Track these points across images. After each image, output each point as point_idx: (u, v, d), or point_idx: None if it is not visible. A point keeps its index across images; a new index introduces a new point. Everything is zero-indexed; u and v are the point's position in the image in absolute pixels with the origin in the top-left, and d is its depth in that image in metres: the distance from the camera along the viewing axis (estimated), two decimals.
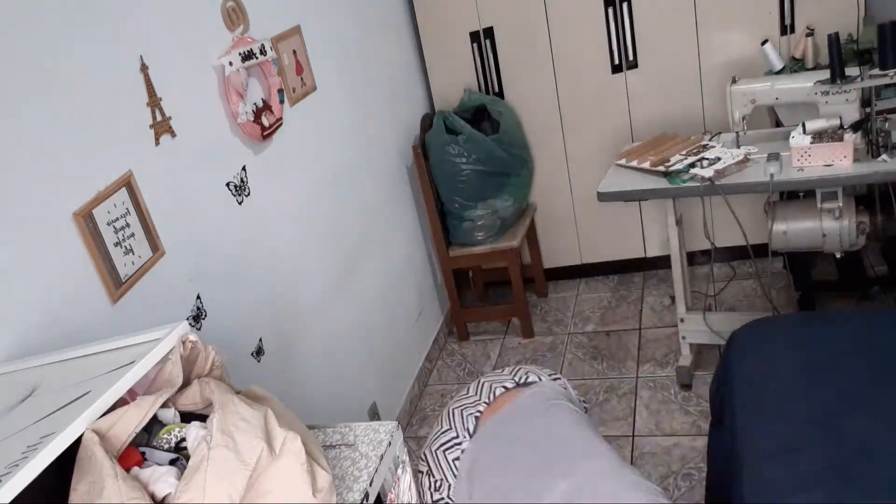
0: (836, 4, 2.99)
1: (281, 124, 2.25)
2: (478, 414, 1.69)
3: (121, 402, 1.10)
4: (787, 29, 3.08)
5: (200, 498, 1.02)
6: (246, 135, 2.11)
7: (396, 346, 3.06)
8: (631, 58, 3.28)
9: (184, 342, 1.20)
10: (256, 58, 2.13)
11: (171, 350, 1.17)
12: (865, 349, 1.85)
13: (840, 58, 2.33)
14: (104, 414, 1.05)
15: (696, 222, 3.35)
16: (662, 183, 2.56)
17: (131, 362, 1.09)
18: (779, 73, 3.04)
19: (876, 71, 2.30)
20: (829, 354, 1.86)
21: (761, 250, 3.57)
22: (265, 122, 2.16)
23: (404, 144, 3.29)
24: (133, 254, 1.65)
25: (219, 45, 2.05)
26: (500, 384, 1.74)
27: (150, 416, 1.10)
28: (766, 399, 1.80)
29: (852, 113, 2.35)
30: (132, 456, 1.09)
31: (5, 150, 1.39)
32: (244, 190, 2.11)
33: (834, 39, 2.29)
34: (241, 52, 2.07)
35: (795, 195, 2.76)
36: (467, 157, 3.17)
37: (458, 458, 1.64)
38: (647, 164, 2.65)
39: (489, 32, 3.39)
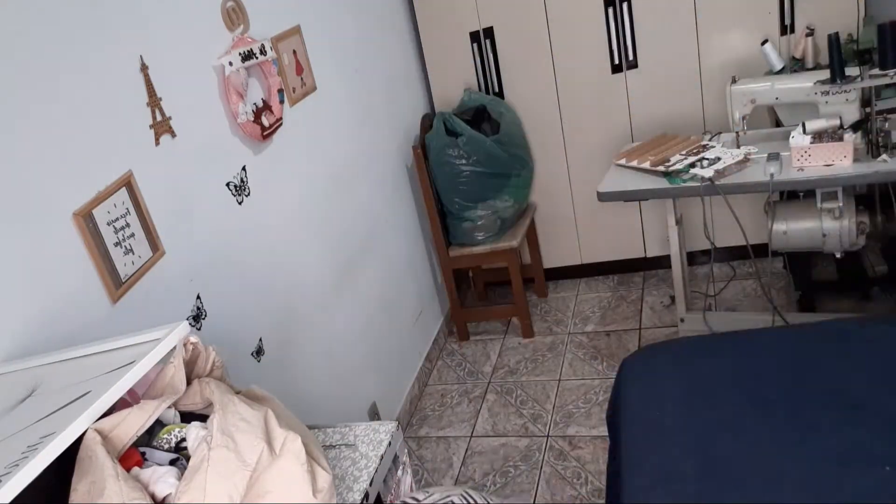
0: (836, 4, 2.99)
1: (281, 124, 2.25)
2: None
3: (121, 402, 1.10)
4: (787, 29, 3.08)
5: (201, 498, 1.02)
6: (246, 135, 2.11)
7: (396, 346, 3.06)
8: (631, 58, 3.28)
9: (185, 344, 1.20)
10: (256, 58, 2.13)
11: (174, 354, 1.17)
12: (744, 375, 1.84)
13: (840, 58, 2.33)
14: (105, 414, 1.05)
15: (696, 222, 3.35)
16: (662, 183, 2.56)
17: (131, 362, 1.09)
18: (779, 73, 3.04)
19: (876, 71, 2.30)
20: (708, 382, 1.85)
21: (761, 250, 3.57)
22: (265, 122, 2.16)
23: (404, 144, 3.29)
24: (133, 254, 1.65)
25: (219, 45, 2.05)
26: None
27: (152, 420, 1.10)
28: (649, 427, 1.79)
29: (852, 113, 2.35)
30: (132, 456, 1.09)
31: (5, 150, 1.38)
32: (244, 190, 2.11)
33: (834, 39, 2.29)
34: (241, 52, 2.07)
35: (795, 195, 2.76)
36: (467, 159, 3.17)
37: None
38: (647, 164, 2.65)
39: (489, 32, 3.39)
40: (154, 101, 1.77)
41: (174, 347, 1.16)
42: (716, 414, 1.74)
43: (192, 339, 1.21)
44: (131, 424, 1.07)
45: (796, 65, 2.97)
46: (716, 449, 1.64)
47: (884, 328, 1.92)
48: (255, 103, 2.16)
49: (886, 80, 2.28)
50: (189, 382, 1.20)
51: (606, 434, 2.69)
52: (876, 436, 1.54)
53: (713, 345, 2.06)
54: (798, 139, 2.35)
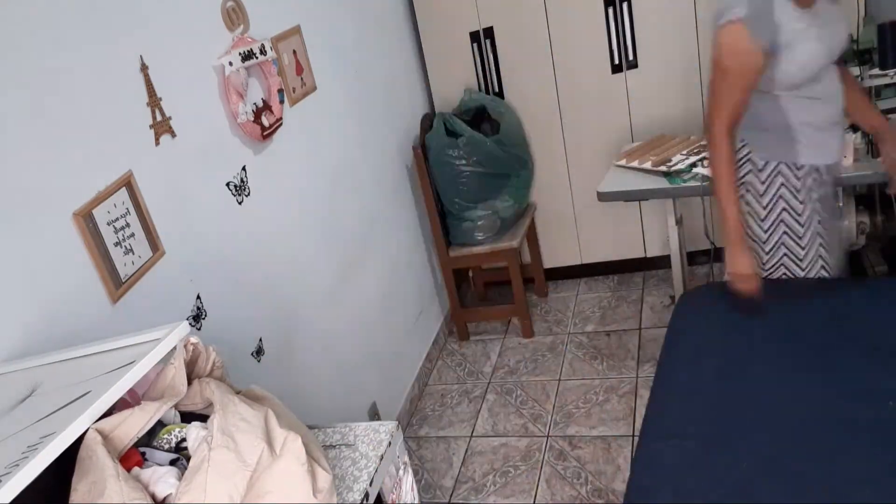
0: None
1: (281, 124, 2.25)
2: None
3: (121, 402, 1.10)
4: None
5: (201, 498, 1.02)
6: (246, 135, 2.11)
7: (396, 346, 3.06)
8: (631, 58, 3.28)
9: (185, 345, 1.20)
10: (256, 58, 2.13)
11: (175, 355, 1.17)
12: (787, 325, 1.95)
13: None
14: (105, 414, 1.05)
15: (697, 222, 3.35)
16: (663, 183, 2.56)
17: (131, 362, 1.09)
18: None
19: (876, 71, 2.30)
20: (752, 332, 1.93)
21: None
22: (265, 122, 2.16)
23: (404, 144, 3.29)
24: (133, 254, 1.65)
25: (219, 45, 2.05)
26: None
27: (153, 422, 1.11)
28: (681, 370, 1.92)
29: None
30: (132, 456, 1.09)
31: (5, 150, 1.38)
32: (244, 190, 2.11)
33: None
34: (241, 52, 2.07)
35: None
36: (467, 160, 3.17)
37: None
38: (648, 165, 2.65)
39: (489, 32, 3.39)
40: (154, 101, 1.77)
41: (174, 348, 1.16)
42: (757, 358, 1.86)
43: (193, 339, 1.21)
44: (132, 425, 1.07)
45: None
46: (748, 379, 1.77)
47: None
48: (255, 103, 2.16)
49: (886, 80, 2.28)
50: (189, 382, 1.20)
51: (606, 434, 2.70)
52: (887, 376, 1.68)
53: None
54: None
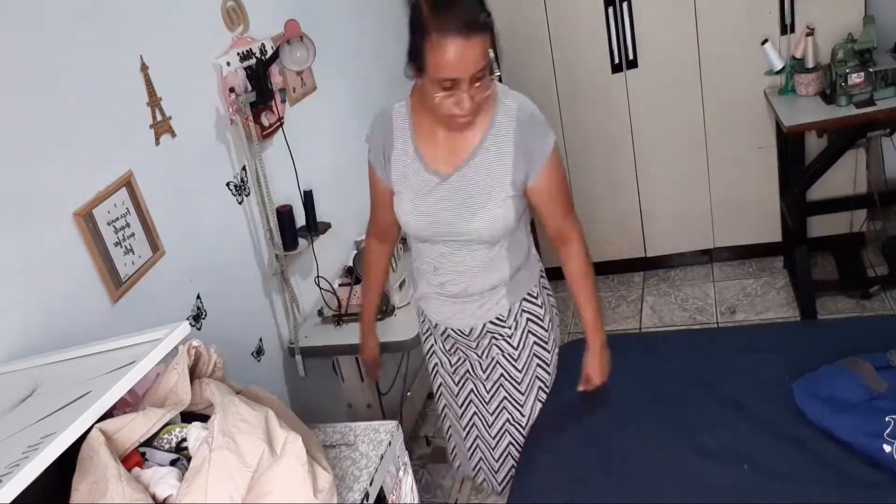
0: (837, 4, 2.98)
1: (281, 124, 2.25)
2: None
3: (121, 402, 1.10)
4: (787, 28, 3.07)
5: (202, 499, 1.02)
6: (244, 134, 2.10)
7: None
8: (631, 57, 3.28)
9: (188, 350, 1.19)
10: (255, 58, 2.13)
11: (177, 361, 1.17)
12: (648, 373, 1.98)
13: None
14: (105, 415, 1.05)
15: (703, 220, 3.36)
16: None
17: (131, 362, 1.09)
18: (778, 72, 3.04)
19: None
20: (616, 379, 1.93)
21: (762, 250, 3.58)
22: (265, 122, 2.16)
23: None
24: (133, 254, 1.65)
25: (219, 45, 2.05)
26: None
27: (156, 428, 1.11)
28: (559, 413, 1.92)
29: None
30: (133, 456, 1.09)
31: (5, 150, 1.38)
32: (244, 190, 2.11)
33: None
34: (240, 52, 2.07)
35: None
36: None
37: None
38: None
39: None
40: (154, 101, 1.77)
41: (175, 349, 1.16)
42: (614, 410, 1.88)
43: (195, 342, 1.21)
44: (135, 429, 1.07)
45: (797, 64, 2.97)
46: (609, 441, 1.78)
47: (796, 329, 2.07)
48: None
49: None
50: (191, 383, 1.20)
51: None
52: (742, 436, 1.69)
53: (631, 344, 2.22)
54: None
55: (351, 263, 2.43)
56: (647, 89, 3.32)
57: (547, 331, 1.88)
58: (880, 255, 3.25)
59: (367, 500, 1.32)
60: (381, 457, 1.40)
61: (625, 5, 3.19)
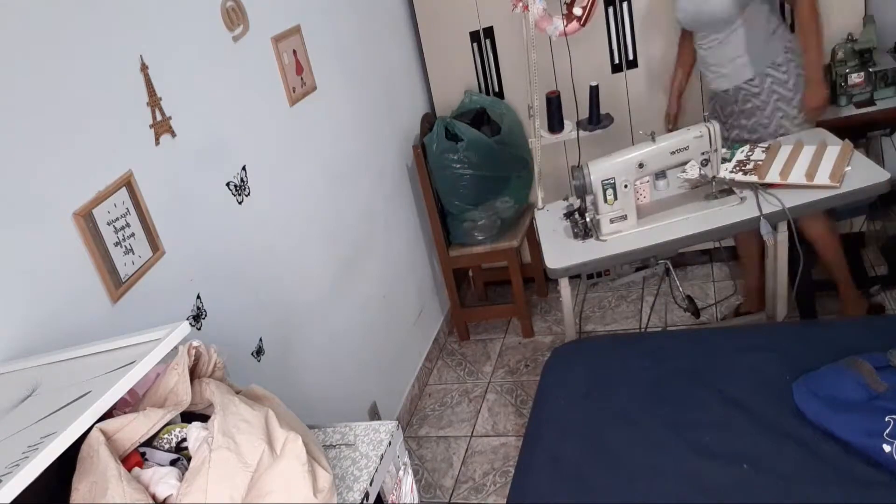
0: (837, 4, 2.98)
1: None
2: None
3: (121, 402, 1.10)
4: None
5: (202, 499, 1.02)
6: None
7: (396, 346, 3.06)
8: (631, 57, 3.28)
9: (188, 351, 1.19)
10: None
11: (178, 361, 1.17)
12: (644, 372, 2.01)
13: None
14: (105, 415, 1.05)
15: None
16: None
17: (131, 362, 1.09)
18: None
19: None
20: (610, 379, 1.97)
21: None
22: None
23: (404, 144, 3.29)
24: (133, 254, 1.65)
25: (219, 45, 2.05)
26: None
27: (156, 429, 1.10)
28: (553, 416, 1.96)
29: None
30: (133, 456, 1.09)
31: (5, 150, 1.38)
32: (244, 190, 2.11)
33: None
34: None
35: None
36: (467, 163, 3.16)
37: None
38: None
39: (489, 32, 3.39)
40: (154, 101, 1.77)
41: (175, 349, 1.16)
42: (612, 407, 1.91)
43: (195, 343, 1.21)
44: (136, 430, 1.07)
45: None
46: (609, 440, 1.81)
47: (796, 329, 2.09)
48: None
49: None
50: (191, 383, 1.20)
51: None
52: (742, 435, 1.71)
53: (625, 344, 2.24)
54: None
55: None
56: (647, 89, 3.32)
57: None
58: (880, 255, 3.25)
59: (367, 500, 1.32)
60: (381, 457, 1.40)
61: (625, 5, 3.19)
